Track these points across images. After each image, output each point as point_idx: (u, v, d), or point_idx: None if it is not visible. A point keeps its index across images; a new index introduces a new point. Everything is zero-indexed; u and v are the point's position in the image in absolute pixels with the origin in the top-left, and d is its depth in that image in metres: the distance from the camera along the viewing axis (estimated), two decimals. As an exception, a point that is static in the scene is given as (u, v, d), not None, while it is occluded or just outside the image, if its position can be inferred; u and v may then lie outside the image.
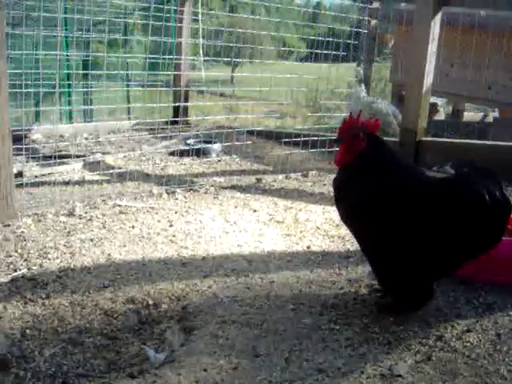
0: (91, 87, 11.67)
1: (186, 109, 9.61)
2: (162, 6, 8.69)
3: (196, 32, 10.21)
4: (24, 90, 6.29)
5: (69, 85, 11.17)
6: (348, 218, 3.16)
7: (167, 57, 8.76)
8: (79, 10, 9.94)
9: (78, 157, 7.51)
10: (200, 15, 9.30)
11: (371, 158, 3.05)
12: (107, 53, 9.90)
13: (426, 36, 6.37)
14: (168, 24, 8.62)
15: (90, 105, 12.01)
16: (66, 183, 6.41)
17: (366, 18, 9.32)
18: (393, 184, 3.00)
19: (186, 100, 9.64)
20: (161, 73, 8.90)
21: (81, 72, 11.04)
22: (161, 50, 8.10)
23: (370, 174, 3.02)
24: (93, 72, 10.09)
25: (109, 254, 4.01)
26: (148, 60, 8.53)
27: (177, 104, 9.27)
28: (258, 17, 8.99)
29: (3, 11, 4.40)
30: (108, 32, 9.65)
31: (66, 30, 10.55)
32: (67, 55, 10.58)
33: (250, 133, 7.97)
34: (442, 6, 6.42)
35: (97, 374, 2.84)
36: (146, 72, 8.49)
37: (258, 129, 8.24)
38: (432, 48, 6.45)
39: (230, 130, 7.55)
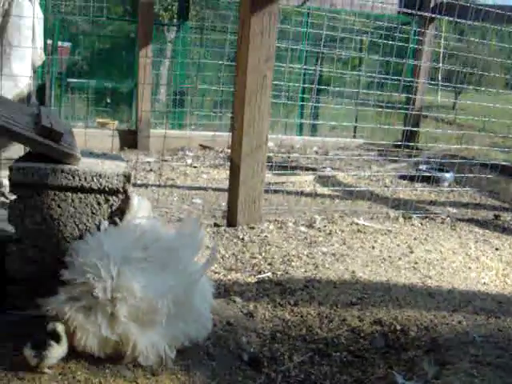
0: (319, 102, 11.88)
1: (415, 133, 9.43)
2: (401, 27, 8.63)
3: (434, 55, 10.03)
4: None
5: (302, 98, 11.50)
6: None
7: (406, 78, 8.69)
8: (317, 25, 10.20)
9: (308, 169, 7.69)
10: (443, 39, 9.10)
11: None
12: (338, 70, 10.04)
13: None
14: (406, 45, 8.56)
15: (316, 119, 12.28)
16: (299, 194, 6.56)
17: None
18: None
19: (418, 124, 9.48)
20: (396, 94, 8.81)
21: (314, 87, 11.24)
22: (392, 70, 8.02)
23: None
24: (325, 88, 10.30)
25: (353, 272, 4.01)
26: (379, 80, 8.49)
27: (408, 128, 9.11)
28: (490, 42, 8.60)
29: (274, 28, 4.59)
30: (342, 49, 9.80)
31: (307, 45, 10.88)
32: (305, 69, 10.87)
33: (484, 165, 7.63)
34: None
35: (344, 390, 2.83)
36: (379, 92, 8.43)
37: (503, 163, 7.85)
38: None
39: (467, 161, 7.32)
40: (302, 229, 4.94)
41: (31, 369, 2.42)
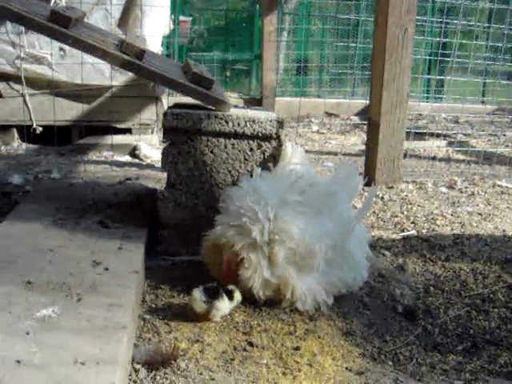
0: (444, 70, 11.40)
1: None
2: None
3: None
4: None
5: (429, 67, 11.11)
6: None
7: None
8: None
9: (439, 135, 7.41)
10: None
11: None
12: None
13: None
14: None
15: (441, 87, 11.82)
16: (433, 158, 6.35)
17: None
18: None
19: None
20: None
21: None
22: None
23: None
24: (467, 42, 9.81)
25: (503, 231, 3.81)
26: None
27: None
28: None
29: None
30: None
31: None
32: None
33: None
34: None
35: (505, 345, 2.67)
36: None
37: None
38: None
39: None
40: (443, 189, 4.76)
41: (199, 316, 2.42)
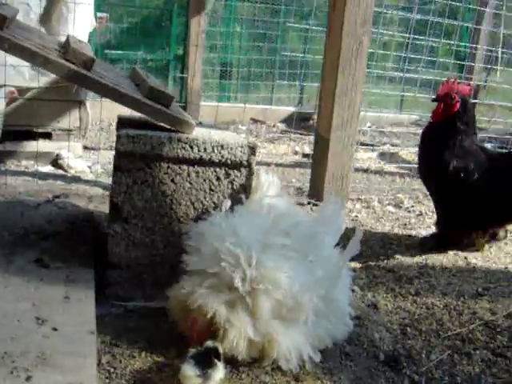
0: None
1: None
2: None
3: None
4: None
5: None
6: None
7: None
8: None
9: (367, 145, 7.28)
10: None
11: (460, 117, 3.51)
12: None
13: None
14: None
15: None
16: (365, 171, 6.21)
17: None
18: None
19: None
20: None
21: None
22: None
23: (459, 132, 3.51)
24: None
25: (465, 258, 3.64)
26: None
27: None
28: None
29: None
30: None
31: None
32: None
33: None
34: None
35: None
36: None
37: None
38: None
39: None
40: (390, 209, 4.57)
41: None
